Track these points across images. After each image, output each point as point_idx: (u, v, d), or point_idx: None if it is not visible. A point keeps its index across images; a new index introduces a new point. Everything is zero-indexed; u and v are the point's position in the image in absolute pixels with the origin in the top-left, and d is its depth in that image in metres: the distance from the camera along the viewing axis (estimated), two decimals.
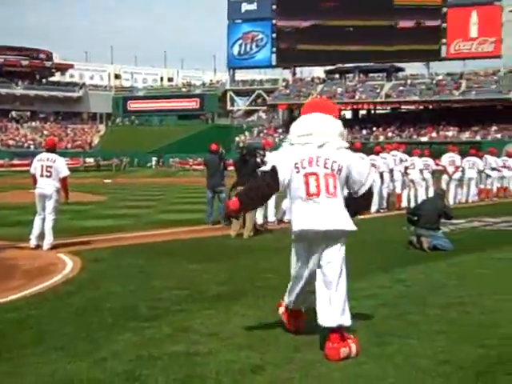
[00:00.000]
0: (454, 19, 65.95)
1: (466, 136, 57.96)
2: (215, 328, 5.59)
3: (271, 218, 14.44)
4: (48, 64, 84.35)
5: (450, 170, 20.17)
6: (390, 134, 61.99)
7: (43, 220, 10.84)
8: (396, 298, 6.78)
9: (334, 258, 4.91)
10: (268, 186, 5.07)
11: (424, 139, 58.24)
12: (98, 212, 17.85)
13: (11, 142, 70.05)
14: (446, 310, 6.22)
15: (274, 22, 73.20)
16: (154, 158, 67.32)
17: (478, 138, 56.35)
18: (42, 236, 10.81)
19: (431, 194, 19.23)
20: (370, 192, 5.26)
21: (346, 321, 4.88)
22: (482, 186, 22.08)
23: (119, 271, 8.57)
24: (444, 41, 67.16)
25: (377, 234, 11.60)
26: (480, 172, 21.46)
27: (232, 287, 7.46)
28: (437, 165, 20.45)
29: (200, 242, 11.68)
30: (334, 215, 4.89)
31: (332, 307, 4.86)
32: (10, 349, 5.05)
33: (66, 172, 11.00)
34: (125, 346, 5.07)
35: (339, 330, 4.84)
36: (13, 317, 6.11)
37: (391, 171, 17.94)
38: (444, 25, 66.92)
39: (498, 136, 56.31)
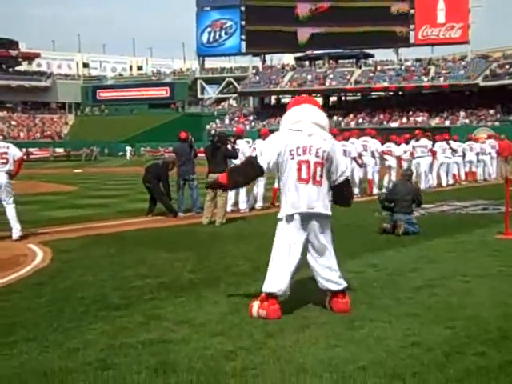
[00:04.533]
0: (421, 5, 66.30)
1: (435, 122, 58.53)
2: (188, 315, 5.59)
3: (243, 205, 14.44)
4: (14, 53, 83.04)
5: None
6: (360, 120, 62.34)
7: None
8: (367, 283, 6.84)
9: (322, 234, 5.62)
10: (253, 167, 5.69)
11: (394, 125, 58.70)
12: (69, 202, 17.69)
13: None
14: (415, 293, 6.31)
15: (242, 8, 72.91)
16: (129, 148, 64.54)
17: (447, 123, 56.93)
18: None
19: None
20: (348, 183, 6.03)
21: (344, 282, 5.79)
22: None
23: (90, 261, 8.51)
24: (412, 26, 67.52)
25: (348, 220, 11.66)
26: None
27: (204, 274, 7.47)
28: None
29: (171, 231, 11.65)
30: (318, 200, 5.56)
31: (333, 273, 5.70)
32: None
33: (21, 154, 11.46)
34: (97, 336, 5.05)
35: (343, 289, 5.71)
36: None
37: (360, 156, 18.04)
38: (412, 11, 67.26)
39: (467, 121, 56.96)
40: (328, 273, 5.69)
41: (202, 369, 4.26)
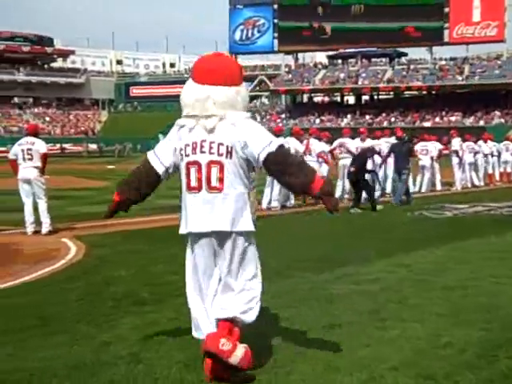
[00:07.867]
0: (456, 3, 65.51)
1: (469, 121, 57.82)
2: None
3: (275, 202, 14.51)
4: (49, 50, 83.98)
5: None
6: (393, 119, 61.83)
7: (32, 206, 10.93)
8: (399, 282, 6.78)
9: (229, 261, 4.08)
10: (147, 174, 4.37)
11: (427, 124, 58.09)
12: (102, 197, 17.73)
13: (14, 129, 69.80)
14: (447, 294, 6.22)
15: (275, 6, 72.83)
16: None
17: (482, 123, 56.20)
18: (37, 222, 10.89)
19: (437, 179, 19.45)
20: (285, 152, 4.05)
21: (246, 317, 4.17)
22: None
23: (122, 256, 8.59)
24: (447, 25, 66.75)
25: (380, 220, 11.59)
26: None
27: None
28: (446, 149, 20.65)
29: None
30: (216, 214, 3.99)
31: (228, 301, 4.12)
32: (13, 332, 5.09)
33: (44, 150, 11.18)
34: (128, 330, 5.08)
35: (232, 321, 4.11)
36: (16, 301, 6.14)
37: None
38: (446, 9, 66.47)
39: (502, 121, 56.17)
40: (224, 301, 4.13)
41: None
